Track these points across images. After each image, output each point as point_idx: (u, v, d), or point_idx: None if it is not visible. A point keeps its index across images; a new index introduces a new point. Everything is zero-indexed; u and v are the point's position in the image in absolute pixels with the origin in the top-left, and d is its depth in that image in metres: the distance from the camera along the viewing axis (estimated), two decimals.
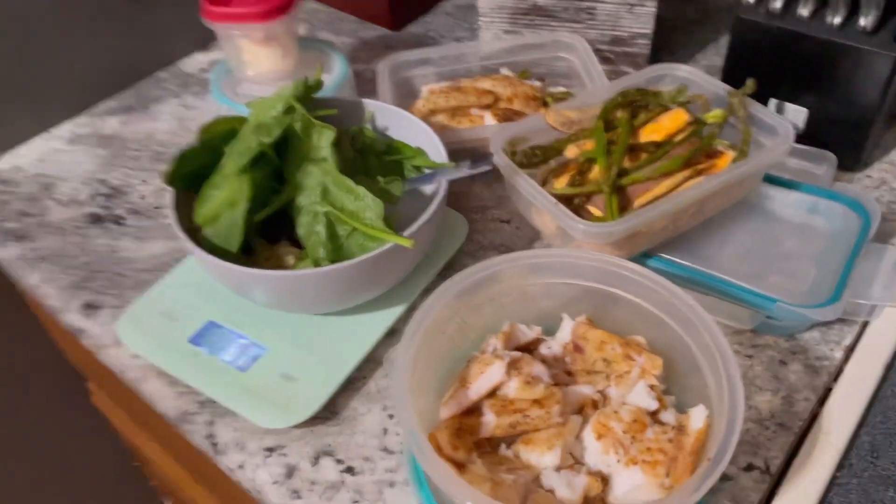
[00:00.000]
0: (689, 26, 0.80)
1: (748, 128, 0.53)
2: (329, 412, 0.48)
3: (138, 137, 0.72)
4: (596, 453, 0.39)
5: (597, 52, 0.72)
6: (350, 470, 0.45)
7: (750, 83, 0.54)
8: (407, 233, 0.46)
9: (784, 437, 0.44)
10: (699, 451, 0.38)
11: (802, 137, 0.60)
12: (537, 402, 0.41)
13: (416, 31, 0.84)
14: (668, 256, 0.52)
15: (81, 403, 0.94)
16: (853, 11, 0.54)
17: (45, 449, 0.97)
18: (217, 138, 0.51)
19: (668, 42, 0.77)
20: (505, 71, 0.70)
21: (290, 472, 0.45)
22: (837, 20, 0.54)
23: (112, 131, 0.73)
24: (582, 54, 0.67)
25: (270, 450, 0.46)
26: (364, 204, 0.47)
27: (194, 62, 0.81)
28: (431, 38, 0.83)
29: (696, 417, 0.38)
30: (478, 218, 0.60)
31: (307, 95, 0.52)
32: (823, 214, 0.55)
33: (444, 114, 0.64)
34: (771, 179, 0.57)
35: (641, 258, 0.52)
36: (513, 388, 0.41)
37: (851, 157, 0.60)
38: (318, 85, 0.54)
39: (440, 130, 0.58)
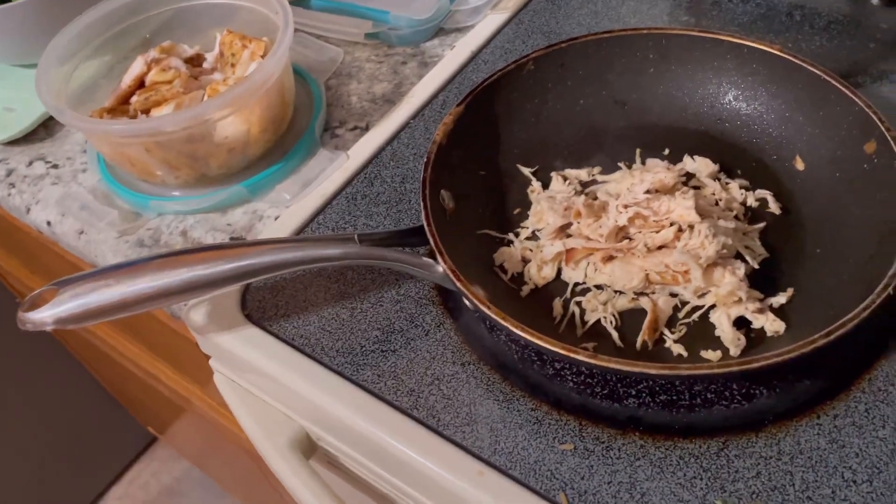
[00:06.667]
0: None
1: None
2: (47, 134, 0.60)
3: None
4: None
5: None
6: (55, 166, 0.58)
7: None
8: None
9: (387, 108, 0.57)
10: None
11: None
12: (168, 83, 0.53)
13: None
14: None
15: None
16: None
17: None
18: None
19: None
20: None
21: (10, 172, 0.58)
22: None
23: None
24: None
25: None
26: None
27: None
28: None
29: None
30: None
31: None
32: None
33: None
34: None
35: None
36: (152, 76, 0.54)
37: None
38: None
39: None
